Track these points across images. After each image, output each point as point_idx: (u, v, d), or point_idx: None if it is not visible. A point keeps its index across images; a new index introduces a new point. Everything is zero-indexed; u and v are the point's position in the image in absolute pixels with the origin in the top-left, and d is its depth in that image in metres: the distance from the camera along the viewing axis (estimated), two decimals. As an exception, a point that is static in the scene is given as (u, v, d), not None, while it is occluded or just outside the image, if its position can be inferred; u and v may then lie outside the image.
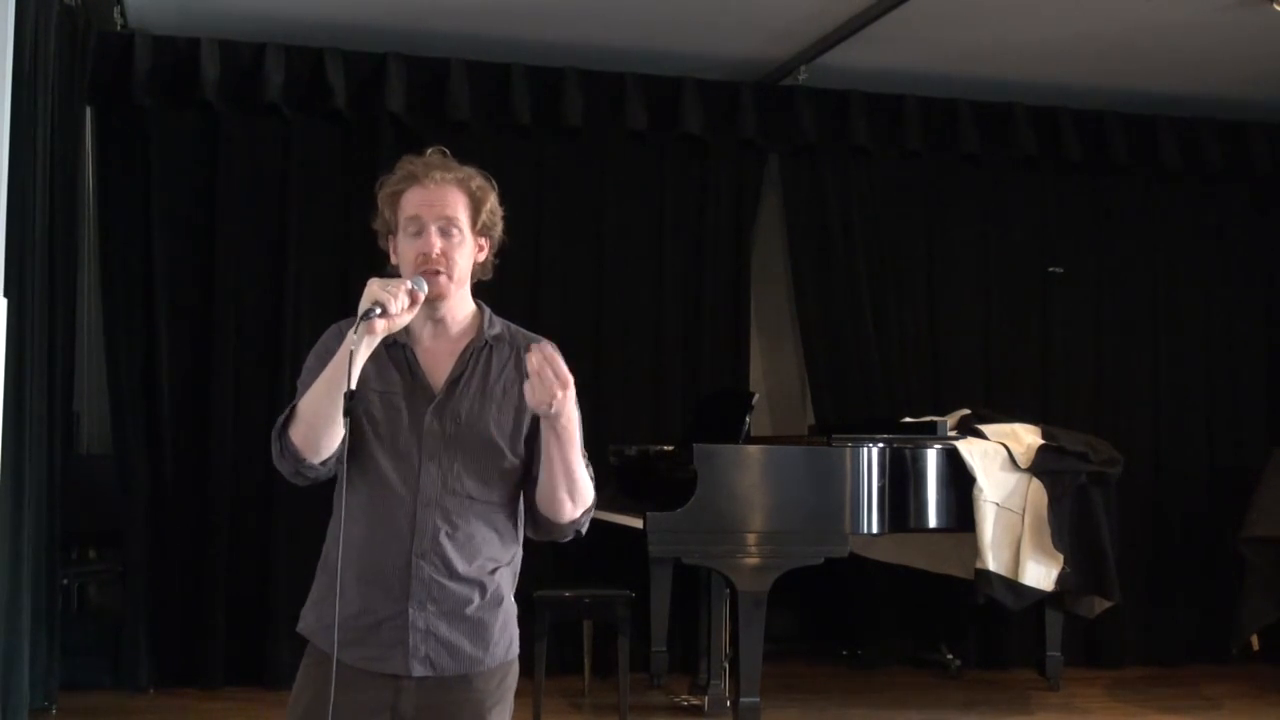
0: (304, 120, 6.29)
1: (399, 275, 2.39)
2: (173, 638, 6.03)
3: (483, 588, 2.39)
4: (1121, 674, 6.82)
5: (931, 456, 5.55)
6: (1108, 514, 5.88)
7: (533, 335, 2.49)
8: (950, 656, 6.73)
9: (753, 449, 5.44)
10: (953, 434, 5.78)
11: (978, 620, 6.74)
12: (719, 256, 6.83)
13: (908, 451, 5.50)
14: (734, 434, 5.44)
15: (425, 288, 2.32)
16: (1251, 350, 7.38)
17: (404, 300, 2.27)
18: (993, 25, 6.04)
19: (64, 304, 5.51)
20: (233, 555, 6.09)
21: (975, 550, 5.57)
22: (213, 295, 6.18)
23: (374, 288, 2.26)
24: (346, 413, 2.21)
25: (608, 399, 6.51)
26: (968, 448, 5.63)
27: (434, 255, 2.35)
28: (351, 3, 5.95)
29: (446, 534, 2.35)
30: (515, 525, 2.47)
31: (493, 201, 2.45)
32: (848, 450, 5.35)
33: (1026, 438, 5.82)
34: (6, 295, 4.44)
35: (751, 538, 5.20)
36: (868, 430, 5.65)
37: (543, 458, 2.35)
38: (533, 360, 2.23)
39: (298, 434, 2.29)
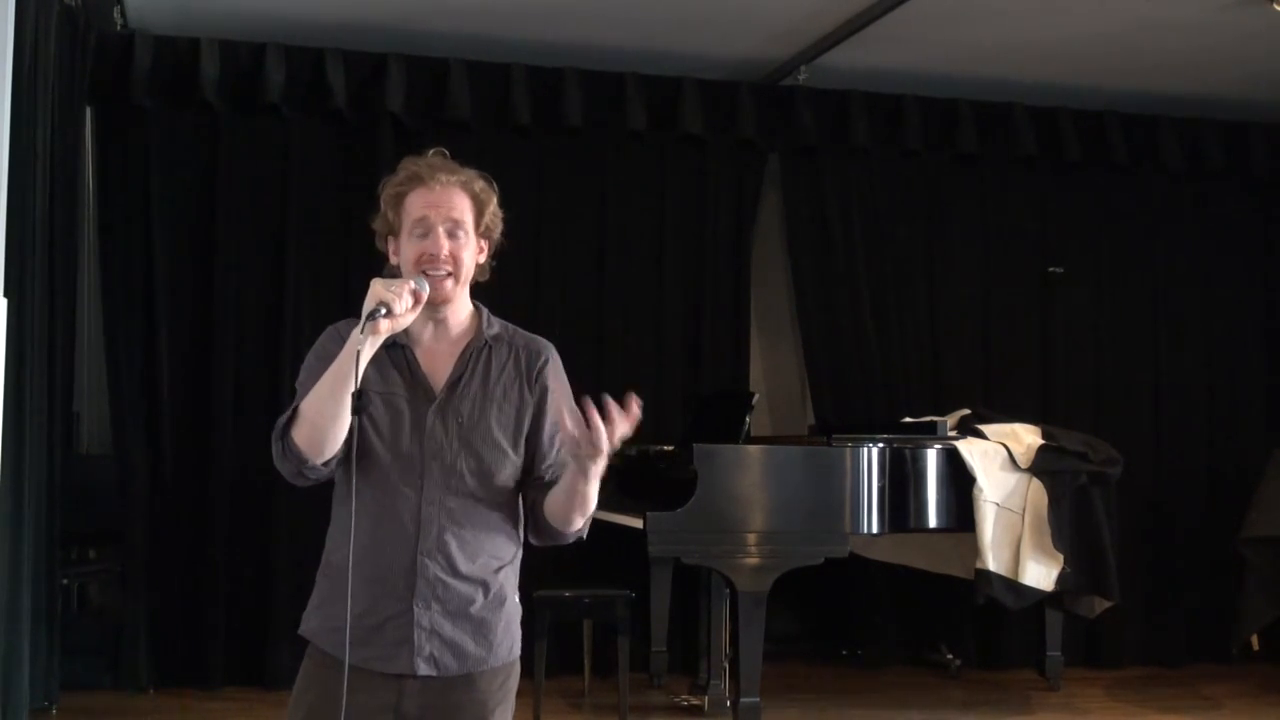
0: (304, 120, 6.29)
1: (399, 275, 2.39)
2: (173, 638, 6.03)
3: (486, 586, 2.40)
4: (1121, 674, 6.82)
5: (931, 456, 5.55)
6: (1108, 514, 5.88)
7: (531, 336, 2.51)
8: (950, 656, 6.73)
9: (753, 449, 5.44)
10: (953, 434, 5.78)
11: (978, 620, 6.74)
12: (719, 256, 6.83)
13: (908, 451, 5.50)
14: (734, 434, 5.43)
15: (427, 288, 2.33)
16: (1251, 350, 7.38)
17: (408, 300, 2.28)
18: (993, 25, 6.04)
19: (64, 304, 5.51)
20: (233, 555, 6.09)
21: (975, 550, 5.57)
22: (213, 295, 6.18)
23: (378, 288, 2.27)
24: (356, 412, 2.22)
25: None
26: (968, 448, 5.63)
27: (442, 256, 2.36)
28: (351, 3, 5.95)
29: (451, 533, 2.36)
30: (516, 524, 2.48)
31: (494, 204, 2.47)
32: (848, 450, 5.35)
33: (1026, 438, 5.82)
34: (6, 295, 4.44)
35: (751, 538, 5.20)
36: (868, 430, 5.66)
37: (565, 484, 2.36)
38: (580, 432, 2.25)
39: (301, 435, 2.29)
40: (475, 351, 2.43)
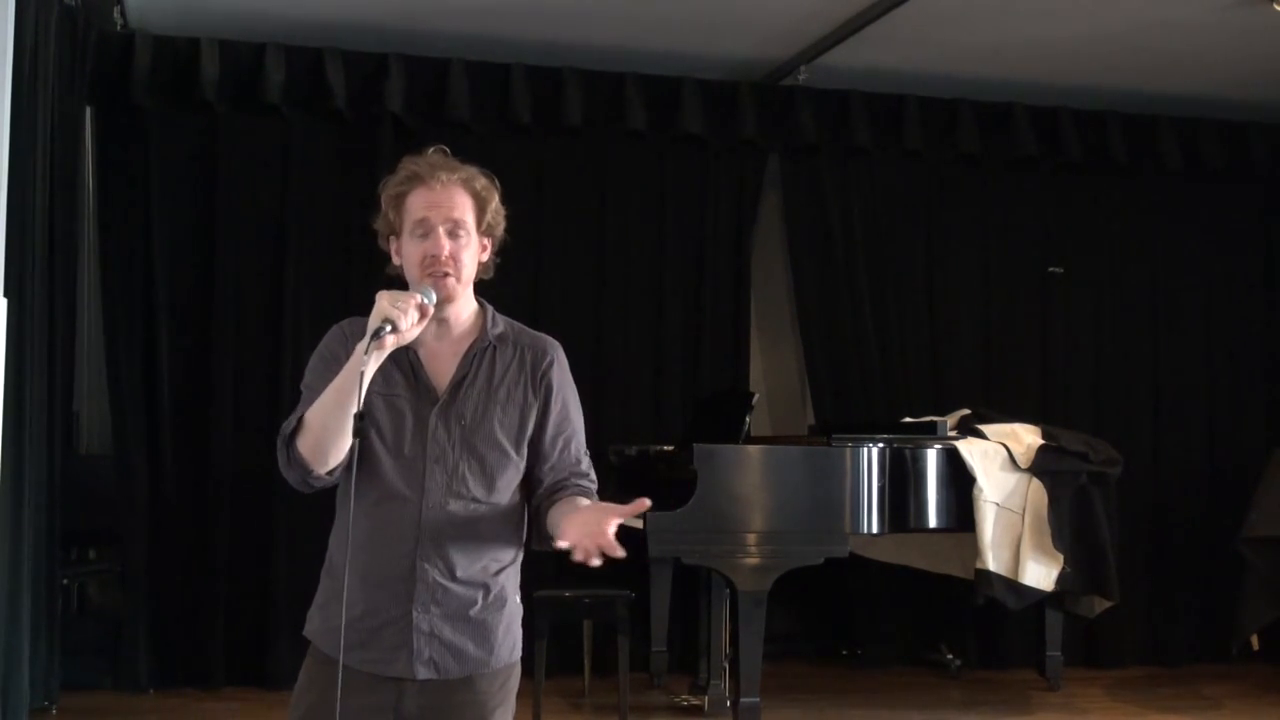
0: (304, 120, 6.29)
1: (401, 275, 2.38)
2: (173, 638, 6.03)
3: (486, 589, 2.39)
4: (1121, 674, 6.82)
5: (931, 456, 5.55)
6: (1108, 514, 5.88)
7: (537, 335, 2.49)
8: (950, 656, 6.73)
9: (753, 449, 5.43)
10: (953, 434, 5.78)
11: (978, 620, 6.74)
12: (719, 256, 6.83)
13: (908, 451, 5.50)
14: (734, 434, 5.43)
15: (434, 299, 2.31)
16: (1251, 350, 7.38)
17: (414, 315, 2.27)
18: (993, 25, 6.04)
19: (64, 304, 5.51)
20: (233, 555, 6.09)
21: (975, 550, 5.57)
22: (213, 295, 6.18)
23: (384, 303, 2.25)
24: (357, 433, 2.20)
25: (608, 399, 6.51)
26: (968, 448, 5.62)
27: (443, 257, 2.35)
28: (351, 3, 5.95)
29: (451, 536, 2.35)
30: (519, 525, 2.46)
31: (496, 201, 2.45)
32: (848, 450, 5.35)
33: (1026, 438, 5.82)
34: (6, 295, 4.43)
35: (751, 538, 5.19)
36: (868, 430, 5.65)
37: (571, 518, 2.33)
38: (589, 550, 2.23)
39: (305, 445, 2.28)
40: (479, 352, 2.42)
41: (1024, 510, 5.64)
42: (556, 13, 6.03)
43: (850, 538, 5.35)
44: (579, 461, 2.48)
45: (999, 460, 5.67)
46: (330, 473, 2.31)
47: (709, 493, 5.15)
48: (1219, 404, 7.31)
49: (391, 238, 2.43)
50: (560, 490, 2.43)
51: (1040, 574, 5.63)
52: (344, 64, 6.23)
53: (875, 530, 5.40)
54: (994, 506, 5.56)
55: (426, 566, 2.34)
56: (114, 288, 6.12)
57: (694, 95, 6.62)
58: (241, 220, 6.25)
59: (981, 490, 5.54)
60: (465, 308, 2.44)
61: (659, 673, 6.20)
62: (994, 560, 5.55)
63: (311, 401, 2.32)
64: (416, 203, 2.37)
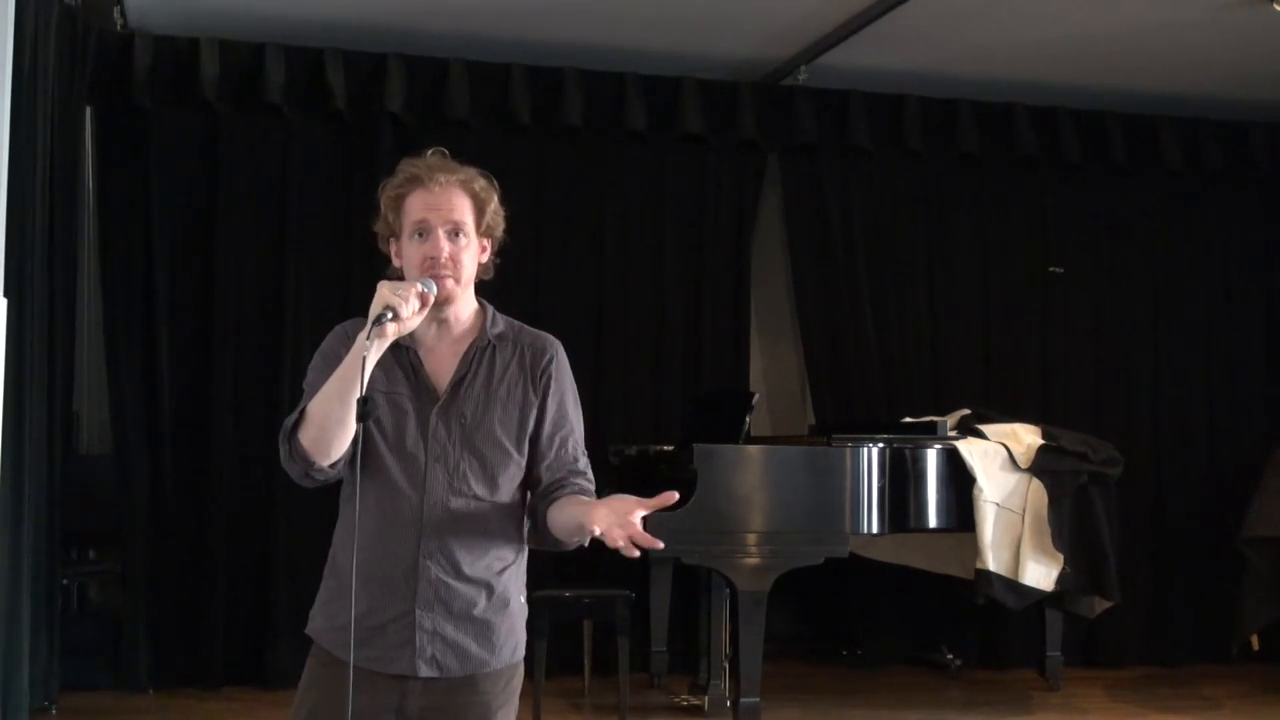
0: (304, 120, 6.29)
1: (402, 278, 2.39)
2: (173, 638, 6.03)
3: (489, 588, 2.40)
4: (1121, 674, 6.82)
5: (931, 456, 5.55)
6: (1108, 514, 5.88)
7: (537, 333, 2.49)
8: (950, 656, 6.73)
9: (753, 449, 5.43)
10: (953, 434, 5.78)
11: (978, 620, 6.74)
12: (719, 256, 6.83)
13: (908, 451, 5.50)
14: (734, 434, 5.43)
15: (435, 289, 2.32)
16: (1251, 350, 7.38)
17: (415, 304, 2.28)
18: (993, 25, 6.04)
19: (64, 304, 5.51)
20: (233, 556, 6.09)
21: (975, 550, 5.56)
22: (213, 295, 6.18)
23: (384, 291, 2.26)
24: (362, 418, 2.22)
25: (608, 399, 6.51)
26: (968, 448, 5.62)
27: (443, 259, 2.35)
28: (351, 3, 5.95)
29: (454, 534, 2.36)
30: (520, 525, 2.47)
31: (495, 202, 2.45)
32: (848, 450, 5.35)
33: (1026, 438, 5.82)
34: (6, 295, 4.43)
35: (751, 538, 5.19)
36: (868, 430, 5.65)
37: (575, 520, 2.33)
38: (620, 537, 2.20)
39: (307, 437, 2.29)
40: (479, 351, 2.42)
41: (1024, 510, 5.64)
42: (556, 13, 6.03)
43: (850, 538, 5.34)
44: (576, 460, 2.48)
45: (999, 460, 5.67)
46: (333, 465, 2.31)
47: (709, 493, 5.15)
48: (1219, 404, 7.30)
49: (391, 240, 2.44)
50: (558, 489, 2.43)
51: (1040, 574, 5.63)
52: (344, 64, 6.23)
53: (875, 530, 5.39)
54: (994, 506, 5.56)
55: (429, 564, 2.34)
56: (114, 288, 6.12)
57: (694, 95, 6.62)
58: (241, 220, 6.25)
59: (981, 490, 5.54)
60: (465, 308, 2.44)
61: (659, 673, 6.20)
62: (994, 560, 5.55)
63: (308, 398, 2.34)
64: (415, 204, 2.38)
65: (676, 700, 5.90)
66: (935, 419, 6.00)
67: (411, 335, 2.38)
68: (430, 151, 2.44)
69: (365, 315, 2.30)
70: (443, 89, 6.31)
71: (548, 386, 2.44)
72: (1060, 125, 7.01)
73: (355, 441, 2.29)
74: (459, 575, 2.36)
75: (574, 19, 6.10)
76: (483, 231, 2.43)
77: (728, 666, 5.61)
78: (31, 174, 4.78)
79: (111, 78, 5.99)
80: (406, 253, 2.39)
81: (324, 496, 2.47)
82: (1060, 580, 5.66)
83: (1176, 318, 7.29)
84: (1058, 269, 7.18)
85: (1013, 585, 5.58)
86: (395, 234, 2.42)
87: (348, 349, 2.36)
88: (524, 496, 2.46)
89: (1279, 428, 7.17)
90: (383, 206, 2.43)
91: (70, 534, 5.88)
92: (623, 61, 6.52)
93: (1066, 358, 7.17)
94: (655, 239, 6.77)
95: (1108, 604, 5.99)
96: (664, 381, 6.71)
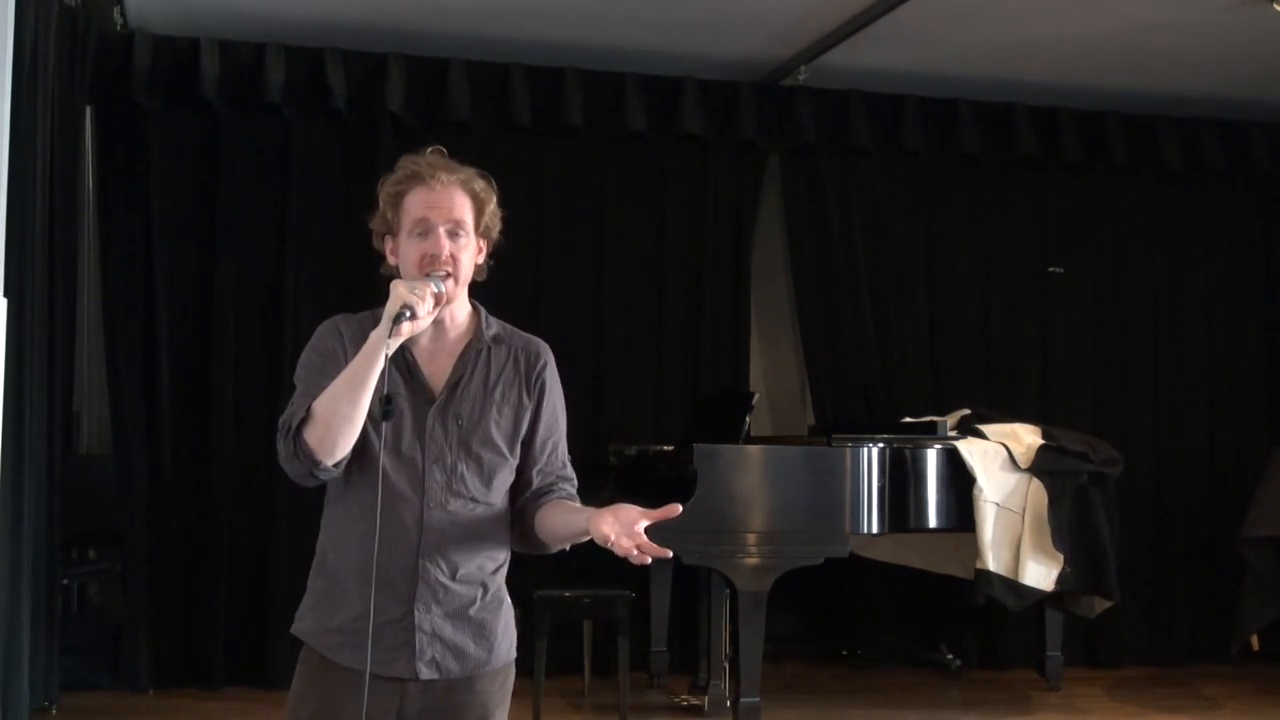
0: (304, 120, 6.29)
1: (395, 275, 2.38)
2: (173, 638, 6.03)
3: (484, 588, 2.40)
4: (1121, 674, 6.82)
5: (931, 456, 5.55)
6: (1108, 514, 5.88)
7: (528, 337, 2.50)
8: (950, 656, 6.73)
9: (753, 449, 5.43)
10: (953, 434, 5.78)
11: (978, 620, 6.74)
12: (719, 256, 6.83)
13: (908, 451, 5.50)
14: (734, 434, 5.43)
15: (444, 288, 2.32)
16: (1251, 350, 7.38)
17: (430, 302, 2.28)
18: (993, 25, 6.04)
19: (64, 304, 5.51)
20: (233, 555, 6.09)
21: (975, 550, 5.56)
22: (213, 295, 6.18)
23: (401, 290, 2.26)
24: (386, 417, 2.22)
25: (608, 399, 6.52)
26: (968, 448, 5.62)
27: (443, 257, 2.35)
28: (351, 3, 5.95)
29: (452, 535, 2.35)
30: (508, 526, 2.46)
31: (494, 203, 2.45)
32: (848, 450, 5.35)
33: (1026, 438, 5.82)
34: (6, 295, 4.43)
35: (751, 538, 5.19)
36: (868, 430, 5.65)
37: (573, 525, 2.35)
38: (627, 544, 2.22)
39: (314, 436, 2.27)
40: (475, 353, 2.42)
41: (1024, 510, 5.64)
42: (556, 13, 6.03)
43: (850, 538, 5.34)
44: (564, 465, 2.50)
45: (999, 460, 5.67)
46: (336, 464, 2.29)
47: (709, 493, 5.15)
48: (1219, 404, 7.30)
49: (387, 237, 2.43)
50: (547, 494, 2.44)
51: (1040, 574, 5.63)
52: (344, 64, 6.23)
53: (875, 530, 5.40)
54: (994, 506, 5.56)
55: (429, 566, 2.34)
56: (114, 288, 6.12)
57: (694, 95, 6.62)
58: (241, 220, 6.25)
59: (981, 490, 5.54)
60: (461, 310, 2.44)
61: (659, 673, 6.20)
62: (994, 560, 5.55)
63: (310, 395, 2.31)
64: (416, 202, 2.37)
65: (676, 700, 5.91)
66: (935, 419, 6.00)
67: None
68: (430, 149, 2.44)
69: (355, 312, 2.30)
70: (443, 89, 6.31)
71: (542, 390, 2.45)
72: (1060, 125, 7.01)
73: (380, 432, 2.27)
74: (455, 576, 2.36)
75: (574, 19, 6.10)
76: (480, 232, 2.42)
77: (728, 666, 5.61)
78: (31, 174, 4.77)
79: (111, 78, 5.99)
80: (404, 250, 2.39)
81: (324, 496, 2.47)
82: (1060, 580, 5.66)
83: (1176, 318, 7.29)
84: (1058, 269, 7.17)
85: (1013, 585, 5.58)
86: (393, 231, 2.41)
87: (342, 345, 2.36)
88: (511, 499, 2.45)
89: (1279, 428, 7.18)
90: (381, 202, 2.42)
91: (70, 534, 5.88)
92: (623, 61, 6.52)
93: (1066, 358, 7.17)
94: (655, 239, 6.77)
95: (1108, 604, 5.99)
96: (664, 381, 6.71)
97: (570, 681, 6.01)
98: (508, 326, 2.50)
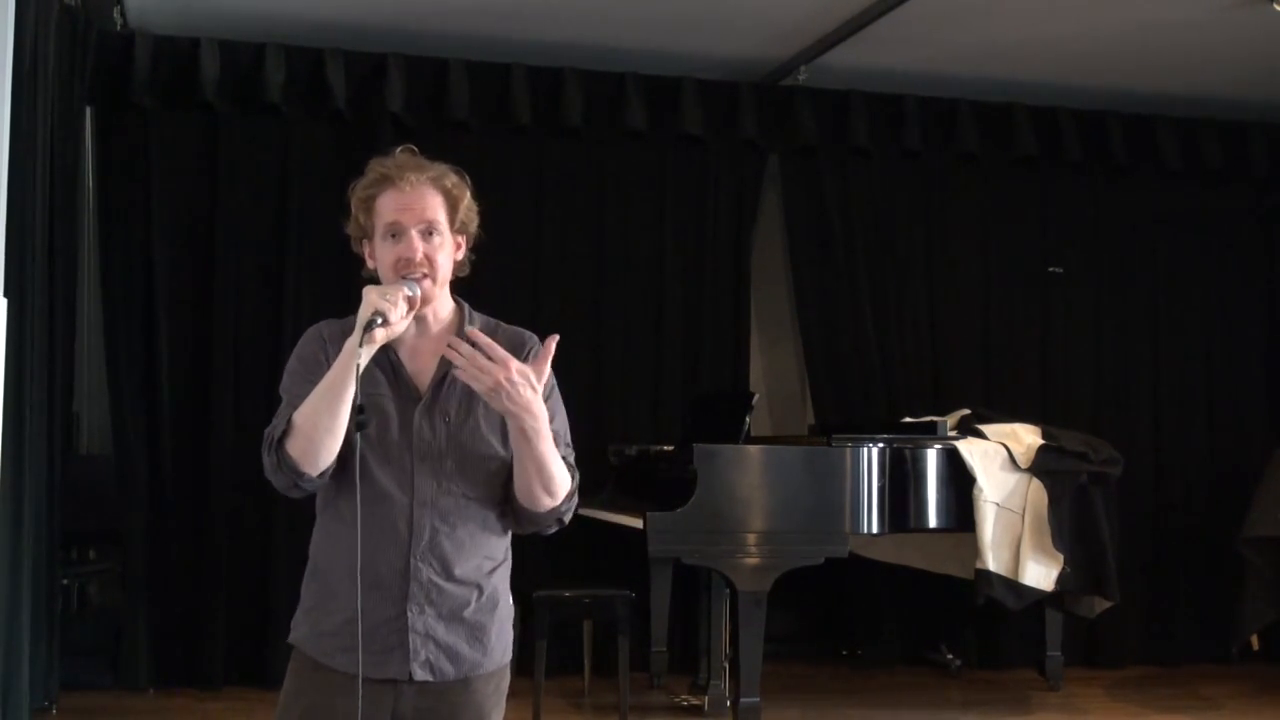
0: (304, 120, 6.29)
1: (376, 280, 2.37)
2: (173, 638, 6.03)
3: (479, 589, 2.38)
4: (1121, 674, 6.82)
5: (931, 456, 5.55)
6: (1108, 514, 5.88)
7: (515, 329, 2.47)
8: (950, 656, 6.73)
9: (753, 449, 5.43)
10: (953, 434, 5.78)
11: (978, 620, 6.74)
12: (719, 256, 6.83)
13: (908, 451, 5.50)
14: (734, 434, 5.43)
15: (419, 291, 2.31)
16: (1251, 350, 7.38)
17: (403, 307, 2.26)
18: (993, 25, 6.04)
19: (64, 304, 5.51)
20: (233, 555, 6.09)
21: (975, 550, 5.56)
22: (213, 295, 6.18)
23: (373, 297, 2.24)
24: (360, 426, 2.20)
25: (608, 399, 6.52)
26: (968, 448, 5.62)
27: (417, 259, 2.33)
28: (351, 3, 5.95)
29: (444, 535, 2.33)
30: (504, 523, 2.45)
31: (468, 198, 2.42)
32: (848, 450, 5.35)
33: (1026, 438, 5.82)
34: (6, 295, 4.43)
35: (751, 538, 5.20)
36: (868, 430, 5.65)
37: (515, 452, 2.32)
38: (461, 349, 2.19)
39: (295, 448, 2.25)
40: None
41: (1024, 510, 5.64)
42: (556, 13, 6.03)
43: (850, 538, 5.35)
44: (565, 451, 2.44)
45: (999, 460, 5.67)
46: (321, 475, 2.28)
47: (709, 493, 5.15)
48: (1219, 404, 7.30)
49: (364, 241, 2.42)
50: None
51: (1040, 574, 5.63)
52: (344, 64, 6.22)
53: (875, 530, 5.40)
54: (994, 506, 5.56)
55: (421, 566, 2.32)
56: (114, 288, 6.12)
57: (694, 95, 6.62)
58: (241, 220, 6.24)
59: (981, 490, 5.54)
60: (443, 307, 2.42)
61: (659, 673, 6.20)
62: (994, 560, 5.55)
63: (294, 405, 2.30)
64: (387, 205, 2.35)
65: (676, 700, 5.91)
66: (935, 419, 6.00)
67: None
68: (399, 149, 2.41)
69: (348, 316, 2.29)
70: (443, 89, 6.31)
71: None
72: (1060, 125, 7.01)
73: (353, 445, 2.25)
74: (450, 576, 2.34)
75: (574, 19, 6.10)
76: (456, 229, 2.40)
77: (728, 666, 5.61)
78: (31, 174, 4.77)
79: (111, 78, 5.99)
80: (380, 254, 2.37)
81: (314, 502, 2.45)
82: (1060, 580, 5.66)
83: (1176, 317, 7.29)
84: (1058, 269, 7.18)
85: (1013, 585, 5.58)
86: (368, 235, 2.40)
87: (325, 352, 2.35)
88: (508, 494, 2.43)
89: (1279, 428, 7.18)
90: (353, 208, 2.41)
91: (70, 534, 5.88)
92: (623, 61, 6.52)
93: (1066, 358, 7.17)
94: (655, 239, 6.76)
95: (1108, 604, 5.99)
96: (664, 381, 6.71)
97: (570, 681, 6.01)
98: (492, 321, 2.47)
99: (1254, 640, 6.91)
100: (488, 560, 2.40)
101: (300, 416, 2.26)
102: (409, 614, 2.32)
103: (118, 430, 6.08)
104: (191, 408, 6.13)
